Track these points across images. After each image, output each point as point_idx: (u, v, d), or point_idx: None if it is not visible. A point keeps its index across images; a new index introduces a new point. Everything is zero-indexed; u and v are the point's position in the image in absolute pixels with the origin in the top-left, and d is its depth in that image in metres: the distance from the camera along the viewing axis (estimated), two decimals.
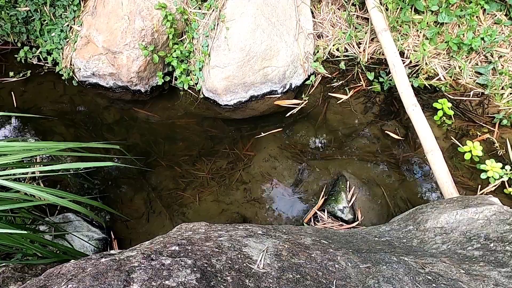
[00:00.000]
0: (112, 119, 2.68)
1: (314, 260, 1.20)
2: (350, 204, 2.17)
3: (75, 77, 2.83)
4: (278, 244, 1.27)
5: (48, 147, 1.71)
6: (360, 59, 2.82)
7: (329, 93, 2.72)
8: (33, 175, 2.20)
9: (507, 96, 2.51)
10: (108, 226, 2.18)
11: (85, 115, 2.70)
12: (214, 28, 2.56)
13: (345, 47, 2.88)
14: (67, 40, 2.80)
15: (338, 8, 2.93)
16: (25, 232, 1.57)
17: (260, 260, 1.16)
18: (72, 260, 1.08)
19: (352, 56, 2.86)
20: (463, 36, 2.63)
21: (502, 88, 2.54)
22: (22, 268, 1.60)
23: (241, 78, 2.54)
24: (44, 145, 1.74)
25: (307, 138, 2.52)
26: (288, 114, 2.62)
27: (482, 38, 2.57)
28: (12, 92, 2.78)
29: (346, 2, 2.86)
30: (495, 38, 2.56)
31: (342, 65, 2.80)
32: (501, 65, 2.59)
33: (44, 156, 2.28)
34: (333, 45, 2.88)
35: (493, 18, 2.68)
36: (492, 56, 2.61)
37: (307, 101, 2.68)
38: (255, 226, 1.45)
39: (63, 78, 2.83)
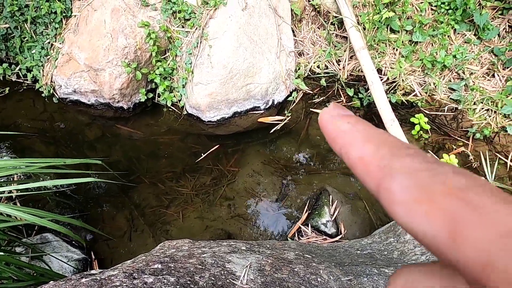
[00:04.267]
0: (93, 136, 2.65)
1: (297, 274, 1.21)
2: (333, 218, 2.20)
3: (55, 94, 2.79)
4: (261, 259, 1.27)
5: (25, 165, 1.67)
6: (340, 76, 2.91)
7: (311, 109, 2.78)
8: (10, 194, 2.14)
9: (479, 111, 2.63)
10: (89, 246, 2.12)
11: (66, 132, 2.66)
12: (197, 46, 2.60)
13: (325, 64, 2.96)
14: (48, 57, 2.78)
15: (318, 27, 3.03)
16: (0, 254, 1.51)
17: (244, 276, 1.15)
18: (51, 282, 1.05)
19: (332, 73, 2.94)
20: (436, 54, 2.75)
21: (474, 104, 2.66)
22: None
23: (224, 94, 2.57)
24: (21, 162, 1.70)
25: (290, 154, 2.55)
26: (272, 131, 2.66)
27: (454, 56, 2.71)
28: None
29: (325, 21, 2.96)
30: (465, 56, 2.70)
31: (323, 81, 2.88)
32: (473, 81, 2.72)
33: (21, 174, 2.22)
34: (314, 63, 2.96)
35: (463, 37, 2.83)
36: (464, 73, 2.74)
37: (289, 117, 2.72)
38: (239, 242, 1.45)
39: (43, 95, 2.79)
